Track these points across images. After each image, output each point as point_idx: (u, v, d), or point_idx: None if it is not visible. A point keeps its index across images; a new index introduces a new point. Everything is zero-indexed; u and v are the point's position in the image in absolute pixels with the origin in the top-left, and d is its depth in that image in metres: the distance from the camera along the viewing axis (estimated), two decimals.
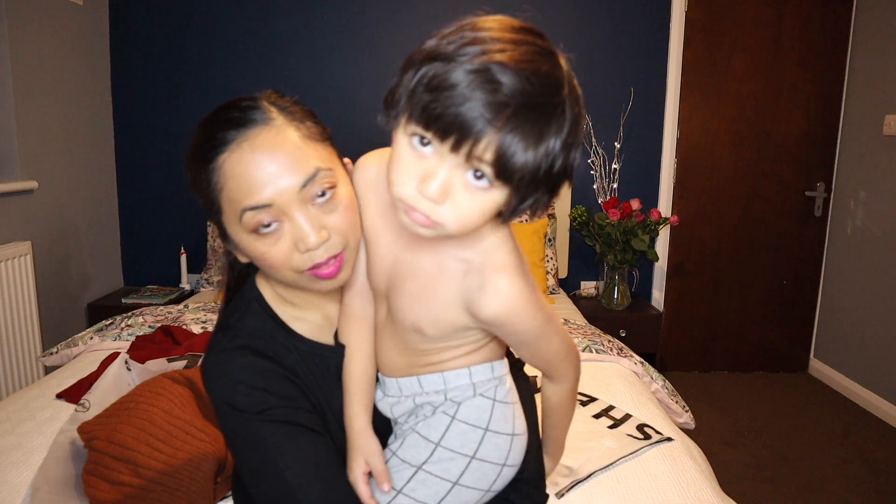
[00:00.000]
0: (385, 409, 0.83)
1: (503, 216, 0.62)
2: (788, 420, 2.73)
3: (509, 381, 0.81)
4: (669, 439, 1.37)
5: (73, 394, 1.55)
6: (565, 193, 3.10)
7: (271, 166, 0.69)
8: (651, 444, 1.34)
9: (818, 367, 3.22)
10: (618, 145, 3.13)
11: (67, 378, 1.67)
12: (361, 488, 0.77)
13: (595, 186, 3.17)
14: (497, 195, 0.58)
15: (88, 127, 2.86)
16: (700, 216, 3.18)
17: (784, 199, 3.17)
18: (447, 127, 0.54)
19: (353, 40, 3.03)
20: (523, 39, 0.56)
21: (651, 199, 3.19)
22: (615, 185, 3.16)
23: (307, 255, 0.72)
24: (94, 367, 1.71)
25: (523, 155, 0.55)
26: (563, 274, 3.20)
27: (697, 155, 3.14)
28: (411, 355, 0.77)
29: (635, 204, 2.89)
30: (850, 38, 3.03)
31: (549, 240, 3.01)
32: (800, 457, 2.40)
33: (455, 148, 0.55)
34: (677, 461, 1.28)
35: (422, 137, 0.57)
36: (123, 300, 2.83)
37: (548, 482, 1.14)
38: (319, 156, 0.73)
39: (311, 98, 3.13)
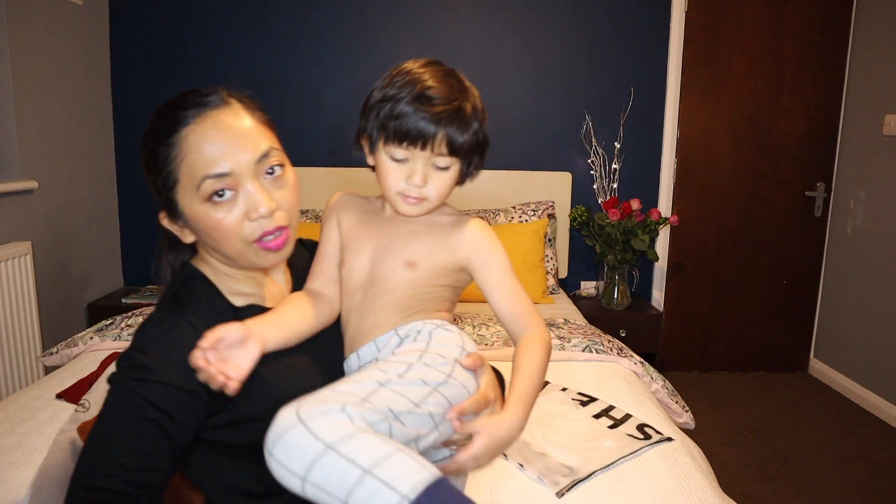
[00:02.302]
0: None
1: (461, 180, 0.91)
2: (788, 420, 2.73)
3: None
4: (669, 439, 1.37)
5: (73, 394, 1.55)
6: (566, 193, 3.10)
7: (231, 140, 0.80)
8: (651, 444, 1.34)
9: (818, 367, 3.22)
10: (618, 145, 3.13)
11: (67, 378, 1.67)
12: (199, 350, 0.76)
13: (595, 186, 3.17)
14: (453, 170, 0.88)
15: (88, 127, 2.86)
16: (700, 216, 3.18)
17: (784, 199, 3.17)
18: (415, 137, 0.83)
19: (353, 40, 3.03)
20: (433, 68, 0.87)
21: (651, 199, 3.19)
22: (615, 185, 3.16)
23: (257, 224, 0.82)
24: (94, 367, 1.71)
25: (461, 137, 0.84)
26: (563, 274, 3.20)
27: (697, 155, 3.14)
28: (388, 313, 0.88)
29: (635, 204, 2.89)
30: (850, 38, 3.03)
31: (549, 240, 3.01)
32: (800, 457, 2.40)
33: (423, 147, 0.83)
34: (677, 461, 1.28)
35: (396, 156, 0.85)
36: (123, 300, 2.83)
37: (548, 482, 1.14)
38: (269, 139, 0.85)
39: (311, 97, 3.15)
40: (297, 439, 0.66)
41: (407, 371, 0.78)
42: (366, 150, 0.90)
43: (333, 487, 0.64)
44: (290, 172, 0.88)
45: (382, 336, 0.87)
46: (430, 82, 0.84)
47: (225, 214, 0.81)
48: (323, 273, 0.94)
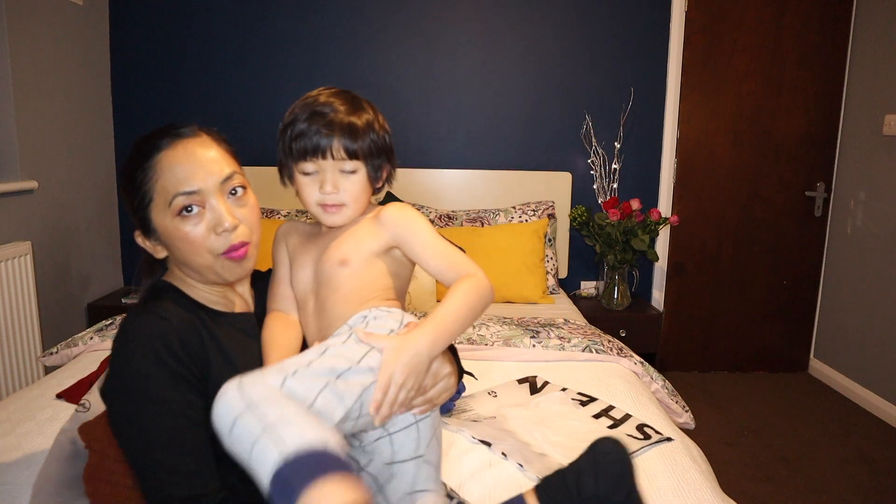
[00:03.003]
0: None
1: (374, 183, 1.00)
2: (788, 420, 2.73)
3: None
4: (669, 439, 1.37)
5: (73, 394, 1.55)
6: (566, 193, 3.10)
7: (200, 164, 0.92)
8: (651, 444, 1.34)
9: (818, 367, 3.22)
10: (618, 145, 3.13)
11: (67, 378, 1.67)
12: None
13: (595, 186, 3.17)
14: (361, 173, 0.97)
15: (88, 127, 2.86)
16: (700, 216, 3.18)
17: (784, 199, 3.17)
18: (315, 150, 0.94)
19: (353, 41, 3.03)
20: (326, 91, 0.98)
21: (651, 199, 3.19)
22: (615, 185, 3.16)
23: (223, 238, 0.92)
24: (94, 367, 1.71)
25: (356, 144, 0.95)
26: (563, 274, 3.20)
27: (697, 155, 3.14)
28: (339, 309, 0.96)
29: (635, 204, 2.89)
30: (850, 38, 3.03)
31: (549, 240, 3.01)
32: (800, 457, 2.40)
33: (324, 157, 0.94)
34: (677, 461, 1.28)
35: (306, 170, 0.96)
36: (123, 300, 2.84)
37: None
38: (232, 165, 0.97)
39: None
40: (229, 398, 0.72)
41: (348, 338, 0.87)
42: (286, 180, 1.01)
43: (243, 445, 0.68)
44: (252, 195, 0.99)
45: (338, 331, 0.94)
46: (321, 100, 0.96)
47: (192, 227, 0.91)
48: (286, 296, 1.04)
